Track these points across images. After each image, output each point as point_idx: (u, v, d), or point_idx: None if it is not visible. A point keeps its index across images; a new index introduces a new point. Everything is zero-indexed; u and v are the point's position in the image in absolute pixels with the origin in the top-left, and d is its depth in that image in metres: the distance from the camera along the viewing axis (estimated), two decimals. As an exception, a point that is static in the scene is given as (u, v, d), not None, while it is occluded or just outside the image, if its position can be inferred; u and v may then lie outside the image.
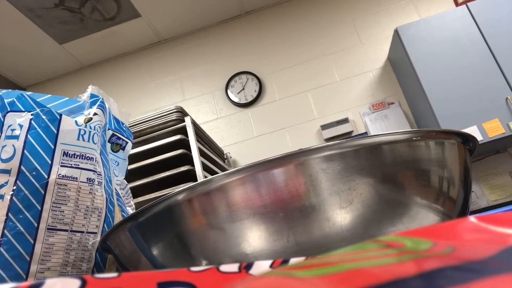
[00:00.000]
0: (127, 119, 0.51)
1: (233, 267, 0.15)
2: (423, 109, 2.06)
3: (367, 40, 2.48)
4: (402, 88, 2.34)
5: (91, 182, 0.37)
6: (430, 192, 0.25)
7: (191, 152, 1.55)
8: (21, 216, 0.33)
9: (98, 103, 0.42)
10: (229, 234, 0.23)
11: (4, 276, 0.32)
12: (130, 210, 0.47)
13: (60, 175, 0.35)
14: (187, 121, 1.62)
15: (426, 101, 1.96)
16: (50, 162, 0.35)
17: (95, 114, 0.41)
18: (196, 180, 1.49)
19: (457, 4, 2.38)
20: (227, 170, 0.23)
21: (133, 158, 1.57)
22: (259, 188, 0.23)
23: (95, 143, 0.39)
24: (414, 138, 0.25)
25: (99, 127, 0.41)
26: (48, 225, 0.34)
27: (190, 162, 1.54)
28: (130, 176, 1.56)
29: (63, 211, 0.35)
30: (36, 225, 0.33)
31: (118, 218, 0.41)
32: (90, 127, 0.39)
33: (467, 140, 0.29)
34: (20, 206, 0.33)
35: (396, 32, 2.12)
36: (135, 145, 1.61)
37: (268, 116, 2.47)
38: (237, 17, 2.74)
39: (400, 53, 2.14)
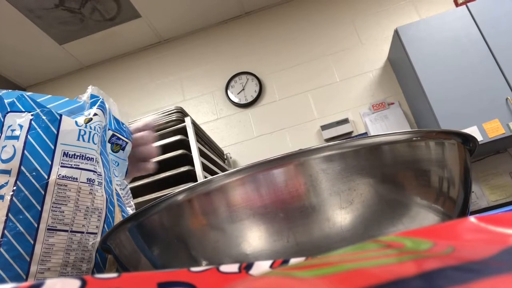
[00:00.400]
0: (127, 119, 0.51)
1: (233, 268, 0.15)
2: (423, 109, 2.06)
3: (367, 41, 2.48)
4: (402, 89, 2.34)
5: (91, 183, 0.37)
6: (430, 193, 0.25)
7: (191, 153, 1.55)
8: (21, 217, 0.33)
9: (98, 103, 0.42)
10: (229, 234, 0.23)
11: (4, 276, 0.32)
12: (130, 211, 0.47)
13: (60, 176, 0.35)
14: (187, 122, 1.62)
15: (426, 101, 1.96)
16: (50, 162, 0.35)
17: (95, 114, 0.41)
18: (196, 181, 1.49)
19: (457, 5, 2.38)
20: (227, 170, 0.23)
21: (133, 159, 1.56)
22: (259, 189, 0.23)
23: (95, 144, 0.39)
24: (414, 139, 0.25)
25: (99, 127, 0.41)
26: (48, 226, 0.34)
27: (190, 162, 1.54)
28: (130, 176, 1.56)
29: (63, 212, 0.35)
30: (36, 225, 0.33)
31: (118, 218, 0.41)
32: (91, 128, 0.39)
33: (467, 140, 0.29)
34: (20, 206, 0.33)
35: (396, 32, 2.12)
36: (135, 146, 1.61)
37: (268, 117, 2.47)
38: (237, 18, 2.74)
39: (400, 53, 2.14)
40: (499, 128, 1.82)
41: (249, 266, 0.16)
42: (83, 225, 0.36)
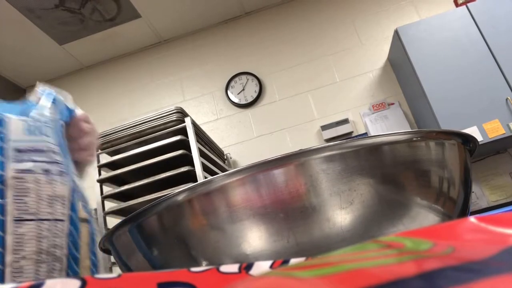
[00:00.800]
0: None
1: (233, 268, 0.15)
2: (423, 110, 2.05)
3: (367, 41, 2.48)
4: (402, 89, 2.34)
5: (48, 173, 0.39)
6: (431, 193, 0.25)
7: (191, 153, 1.55)
8: None
9: (48, 97, 0.45)
10: (230, 234, 0.23)
11: None
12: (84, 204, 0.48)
13: (15, 170, 0.37)
14: (187, 122, 1.62)
15: (426, 102, 1.96)
16: (3, 160, 0.37)
17: (46, 108, 0.43)
18: (196, 181, 1.49)
19: (457, 5, 2.38)
20: (227, 170, 0.23)
21: (133, 159, 1.57)
22: (259, 189, 0.23)
23: (47, 136, 0.40)
24: (414, 139, 0.25)
25: (50, 119, 0.42)
26: (14, 217, 0.35)
27: (190, 162, 1.54)
28: (131, 176, 1.57)
29: (27, 203, 0.36)
30: (2, 218, 0.35)
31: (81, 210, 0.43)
32: (39, 121, 0.41)
33: (467, 140, 0.29)
34: None
35: (396, 32, 2.12)
36: (135, 146, 1.61)
37: (268, 117, 2.47)
38: (237, 18, 2.74)
39: (400, 53, 2.14)
40: (499, 128, 1.82)
41: (249, 266, 0.16)
42: (48, 213, 0.37)
